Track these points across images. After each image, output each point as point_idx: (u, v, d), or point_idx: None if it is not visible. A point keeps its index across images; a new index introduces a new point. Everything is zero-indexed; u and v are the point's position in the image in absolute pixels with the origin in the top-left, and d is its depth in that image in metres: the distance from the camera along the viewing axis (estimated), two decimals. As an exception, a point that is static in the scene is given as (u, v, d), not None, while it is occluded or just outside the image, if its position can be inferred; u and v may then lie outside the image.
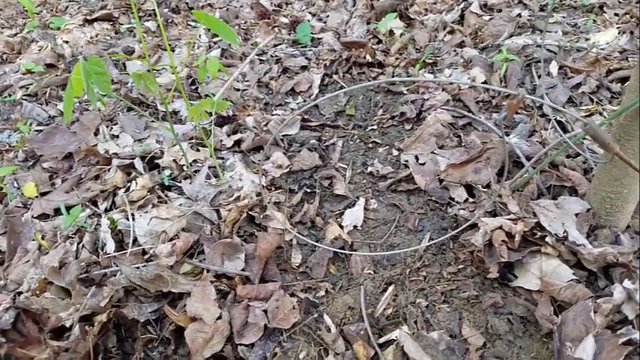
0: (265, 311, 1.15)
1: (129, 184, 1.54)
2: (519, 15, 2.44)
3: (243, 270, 1.26)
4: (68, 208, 1.50)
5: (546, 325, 1.11)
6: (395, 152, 1.75)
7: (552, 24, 2.36)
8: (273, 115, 2.02)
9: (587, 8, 2.51)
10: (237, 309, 1.15)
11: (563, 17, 2.45)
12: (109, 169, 1.61)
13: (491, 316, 1.18)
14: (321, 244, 1.38)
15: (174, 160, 1.60)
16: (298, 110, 2.02)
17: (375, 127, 1.90)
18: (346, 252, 1.36)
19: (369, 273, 1.32)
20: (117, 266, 1.23)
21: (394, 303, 1.24)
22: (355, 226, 1.47)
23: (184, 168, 1.59)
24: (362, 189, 1.62)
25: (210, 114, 1.73)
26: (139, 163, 1.61)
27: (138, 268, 1.20)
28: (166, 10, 3.04)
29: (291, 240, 1.39)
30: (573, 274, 1.18)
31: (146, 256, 1.27)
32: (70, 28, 2.79)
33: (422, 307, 1.22)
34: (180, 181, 1.56)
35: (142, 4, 3.15)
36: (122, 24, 2.94)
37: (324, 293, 1.27)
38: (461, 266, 1.31)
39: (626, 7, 2.44)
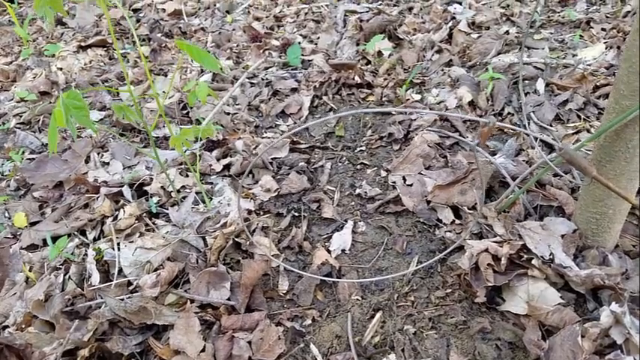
0: (250, 342, 1.14)
1: (117, 212, 1.54)
2: (507, 32, 2.46)
3: (228, 299, 1.25)
4: (57, 238, 1.50)
5: (534, 351, 1.10)
6: (383, 173, 1.75)
7: (539, 40, 2.37)
8: (263, 137, 2.03)
9: (574, 24, 2.53)
10: (221, 340, 1.14)
11: (551, 33, 2.46)
12: (97, 198, 1.61)
13: (479, 342, 1.17)
14: (308, 271, 1.38)
15: (162, 187, 1.61)
16: (287, 133, 2.03)
17: (363, 148, 1.91)
18: (333, 280, 1.35)
19: (357, 299, 1.31)
20: (102, 298, 1.22)
21: (382, 330, 1.23)
22: (343, 250, 1.47)
23: (172, 195, 1.59)
24: (350, 211, 1.62)
25: (196, 140, 1.73)
26: (127, 191, 1.61)
27: (122, 299, 1.20)
28: (159, 34, 3.08)
29: (278, 266, 1.39)
30: (561, 297, 1.17)
31: (131, 287, 1.27)
32: (65, 55, 2.82)
33: (409, 334, 1.21)
34: (167, 208, 1.56)
35: (137, 29, 3.18)
36: (116, 50, 2.96)
37: (310, 321, 1.26)
38: (449, 290, 1.30)
39: (613, 22, 2.45)
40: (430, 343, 1.18)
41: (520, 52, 1.56)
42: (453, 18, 2.70)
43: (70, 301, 1.26)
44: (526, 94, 1.92)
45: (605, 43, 2.22)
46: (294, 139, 1.96)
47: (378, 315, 1.26)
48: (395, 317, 1.25)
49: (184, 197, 1.57)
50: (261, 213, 1.60)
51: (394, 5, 3.15)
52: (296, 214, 1.60)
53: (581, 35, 2.35)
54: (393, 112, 1.09)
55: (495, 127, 0.72)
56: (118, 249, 1.33)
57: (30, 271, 1.41)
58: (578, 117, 1.80)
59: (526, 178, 1.41)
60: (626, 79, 1.00)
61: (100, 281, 1.29)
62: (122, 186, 1.63)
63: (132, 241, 1.35)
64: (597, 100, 1.84)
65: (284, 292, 1.34)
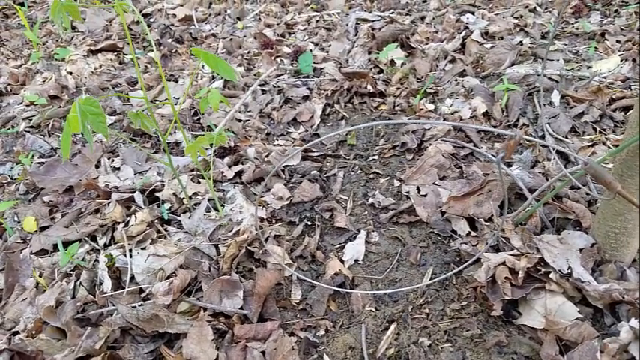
0: (263, 352, 1.13)
1: (128, 218, 1.53)
2: (521, 43, 2.45)
3: (241, 308, 1.23)
4: (67, 243, 1.49)
5: (552, 366, 1.08)
6: (396, 183, 1.73)
7: (554, 52, 2.36)
8: (274, 145, 2.02)
9: (588, 36, 2.52)
10: (234, 350, 1.12)
11: (565, 45, 2.45)
12: (108, 203, 1.60)
13: (495, 355, 1.15)
14: (321, 281, 1.36)
15: (174, 194, 1.60)
16: (300, 142, 2.02)
17: (376, 157, 1.89)
18: (346, 290, 1.34)
19: (371, 310, 1.30)
20: (113, 305, 1.21)
21: (396, 342, 1.21)
22: (356, 260, 1.45)
23: (184, 201, 1.58)
24: (363, 221, 1.61)
25: (210, 146, 1.73)
26: (138, 197, 1.60)
27: (134, 307, 1.19)
28: (170, 40, 3.08)
29: (291, 275, 1.38)
30: (579, 311, 1.15)
31: (143, 295, 1.25)
32: (75, 59, 2.82)
33: (424, 346, 1.19)
34: (179, 215, 1.55)
35: (147, 34, 3.19)
36: (126, 54, 2.97)
37: (324, 332, 1.24)
38: (464, 303, 1.28)
39: (627, 35, 2.44)
40: (445, 356, 1.16)
41: (542, 62, 1.55)
42: (466, 28, 2.69)
43: (82, 307, 1.25)
44: (541, 106, 1.91)
45: (620, 55, 2.20)
46: (306, 148, 1.95)
47: (393, 327, 1.24)
48: (409, 329, 1.23)
49: (196, 204, 1.56)
50: (274, 221, 1.59)
51: (406, 14, 3.14)
52: (308, 222, 1.59)
53: (595, 47, 2.34)
54: (414, 124, 1.08)
55: (522, 139, 0.71)
56: (130, 255, 1.32)
57: (40, 276, 1.40)
58: (594, 129, 1.79)
59: (543, 191, 1.40)
60: (651, 92, 0.99)
61: (111, 288, 1.28)
62: (133, 192, 1.62)
63: (144, 248, 1.34)
64: (613, 112, 1.83)
65: (297, 301, 1.33)
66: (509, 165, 1.61)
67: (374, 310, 1.30)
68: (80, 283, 1.32)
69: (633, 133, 1.06)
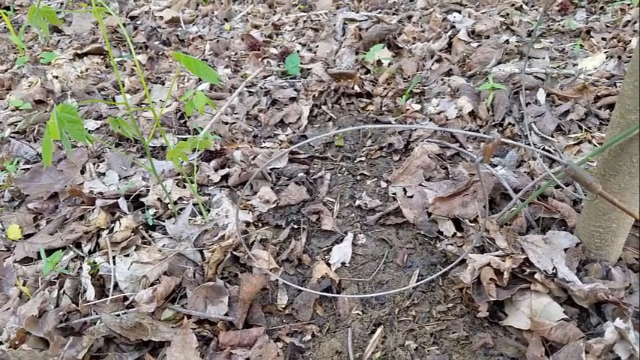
0: (249, 359, 1.12)
1: (113, 224, 1.52)
2: (507, 41, 2.45)
3: (226, 314, 1.23)
4: (52, 251, 1.47)
5: (537, 368, 1.08)
6: (383, 184, 1.73)
7: (539, 50, 2.36)
8: (262, 147, 2.01)
9: (574, 33, 2.52)
10: (219, 357, 1.12)
11: (551, 43, 2.46)
12: (93, 210, 1.59)
13: (481, 357, 1.15)
14: (307, 285, 1.36)
15: (158, 199, 1.58)
16: (287, 144, 2.01)
17: (363, 158, 1.89)
18: (332, 295, 1.33)
19: (358, 313, 1.29)
20: (97, 314, 1.20)
21: (383, 346, 1.20)
22: (343, 263, 1.45)
23: (169, 207, 1.57)
24: (350, 223, 1.60)
25: (194, 150, 1.71)
26: (123, 203, 1.59)
27: (118, 315, 1.17)
28: (157, 42, 3.06)
29: (277, 280, 1.37)
30: (564, 312, 1.15)
31: (127, 303, 1.24)
32: (61, 63, 2.80)
33: (411, 349, 1.18)
34: (164, 221, 1.53)
35: (134, 37, 3.16)
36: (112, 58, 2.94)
37: (310, 337, 1.24)
38: (450, 304, 1.28)
39: (613, 32, 2.45)
40: (432, 359, 1.16)
41: (526, 58, 1.55)
42: (453, 27, 2.69)
43: (65, 316, 1.24)
44: (527, 105, 1.91)
45: (605, 52, 2.21)
46: (293, 150, 1.94)
47: (379, 330, 1.24)
48: (396, 332, 1.23)
49: (181, 209, 1.55)
50: (260, 225, 1.58)
51: (393, 14, 3.14)
52: (295, 226, 1.58)
53: (581, 45, 2.34)
54: (395, 127, 1.07)
55: (501, 142, 0.70)
56: (114, 263, 1.31)
57: (24, 285, 1.38)
58: (580, 128, 1.79)
59: (528, 190, 1.40)
60: (631, 93, 0.99)
61: (95, 296, 1.27)
62: (118, 197, 1.60)
63: (127, 255, 1.32)
64: (598, 110, 1.83)
65: (283, 306, 1.32)
66: (493, 165, 1.61)
67: (360, 313, 1.29)
68: (64, 291, 1.31)
69: (615, 133, 1.06)
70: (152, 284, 1.26)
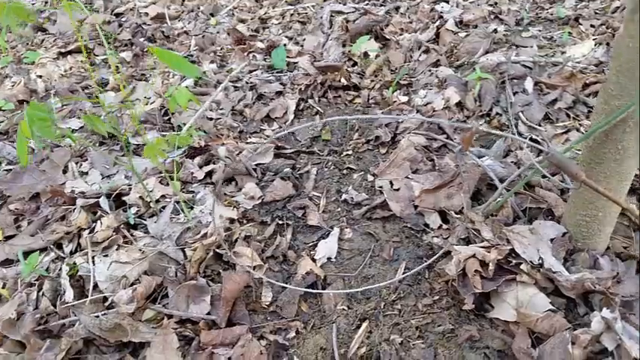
0: (230, 359, 1.10)
1: (94, 224, 1.49)
2: (495, 31, 2.43)
3: (208, 313, 1.20)
4: (33, 252, 1.44)
5: (524, 359, 1.06)
6: (370, 178, 1.71)
7: (528, 38, 2.34)
8: (247, 143, 1.98)
9: (563, 21, 2.50)
10: (200, 357, 1.09)
11: (539, 31, 2.43)
12: (74, 210, 1.56)
13: (467, 350, 1.13)
14: (292, 281, 1.33)
15: (140, 197, 1.56)
16: (271, 137, 1.98)
17: (350, 152, 1.86)
18: (317, 291, 1.31)
19: (343, 309, 1.27)
20: (75, 316, 1.17)
21: (368, 341, 1.18)
22: (329, 259, 1.43)
23: (151, 205, 1.54)
24: (336, 218, 1.58)
25: (178, 147, 1.68)
26: (104, 202, 1.56)
27: (97, 317, 1.15)
28: (142, 39, 3.02)
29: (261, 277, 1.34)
30: (551, 302, 1.14)
31: (107, 304, 1.22)
32: (44, 62, 2.76)
33: (396, 344, 1.16)
34: (147, 219, 1.51)
35: (119, 34, 3.12)
36: (97, 55, 2.91)
37: (294, 334, 1.22)
38: (436, 297, 1.26)
39: (602, 19, 2.43)
40: (417, 353, 1.14)
41: (514, 50, 1.53)
42: (441, 17, 2.66)
43: (44, 319, 1.21)
44: (514, 94, 1.89)
45: (594, 39, 2.19)
46: (279, 144, 1.91)
47: (365, 325, 1.22)
48: (381, 327, 1.21)
49: (164, 207, 1.52)
50: (245, 222, 1.56)
51: (381, 5, 3.11)
52: (280, 222, 1.56)
53: (569, 32, 2.32)
54: (381, 118, 1.05)
55: (479, 131, 0.68)
56: (93, 263, 1.28)
57: (3, 287, 1.35)
58: (568, 116, 1.77)
59: (514, 180, 1.38)
60: (615, 78, 0.97)
61: (74, 297, 1.24)
62: (99, 197, 1.57)
63: (107, 255, 1.30)
64: (587, 98, 1.81)
65: (267, 303, 1.30)
66: (481, 156, 1.59)
67: (346, 308, 1.27)
68: (43, 293, 1.28)
69: (599, 120, 1.04)
70: (132, 284, 1.24)
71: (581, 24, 2.42)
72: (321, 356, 1.16)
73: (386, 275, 1.36)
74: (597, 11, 2.54)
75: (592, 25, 2.40)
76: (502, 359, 1.11)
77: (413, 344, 1.16)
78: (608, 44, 2.12)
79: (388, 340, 1.18)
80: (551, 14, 2.59)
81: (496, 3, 2.80)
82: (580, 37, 2.30)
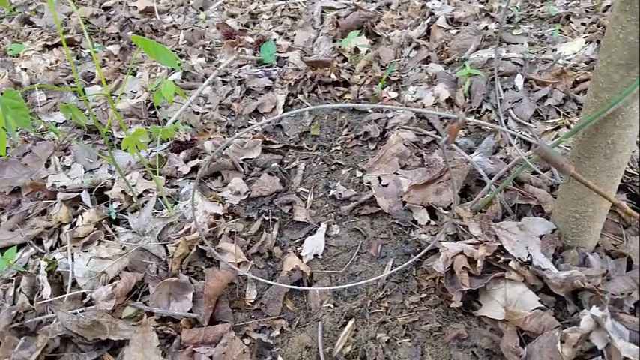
0: (212, 357, 1.07)
1: (75, 219, 1.45)
2: (486, 28, 2.41)
3: (190, 311, 1.17)
4: (10, 247, 1.41)
5: (512, 358, 1.04)
6: (358, 174, 1.68)
7: (518, 35, 2.32)
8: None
9: (553, 19, 2.49)
10: (181, 356, 1.06)
11: (530, 29, 2.42)
12: (55, 204, 1.52)
13: (454, 349, 1.11)
14: (278, 278, 1.31)
15: (123, 192, 1.52)
16: (261, 134, 1.95)
17: (339, 147, 1.84)
18: (302, 288, 1.28)
19: (329, 306, 1.25)
20: (53, 312, 1.14)
21: (354, 339, 1.16)
22: (315, 255, 1.40)
23: (134, 200, 1.51)
24: (324, 214, 1.55)
25: (163, 142, 1.65)
26: (86, 197, 1.52)
27: (75, 313, 1.12)
28: (130, 32, 2.97)
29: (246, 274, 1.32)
30: (540, 300, 1.12)
31: (85, 300, 1.18)
32: (30, 55, 2.71)
33: (382, 342, 1.14)
34: (129, 214, 1.47)
35: (107, 27, 3.08)
36: (84, 49, 2.86)
37: (279, 332, 1.19)
38: (424, 295, 1.24)
39: (592, 17, 2.42)
40: (404, 352, 1.12)
41: (505, 47, 1.51)
42: (432, 14, 2.64)
43: (21, 316, 1.18)
44: (504, 90, 1.87)
45: (584, 37, 2.18)
46: (267, 139, 1.88)
47: (350, 323, 1.19)
48: (368, 325, 1.18)
49: (146, 202, 1.49)
50: (230, 217, 1.53)
51: (372, 1, 3.08)
52: (267, 218, 1.53)
53: (560, 30, 2.31)
54: (368, 110, 1.03)
55: (466, 123, 0.66)
56: (72, 259, 1.25)
57: (-20, 283, 1.31)
58: (558, 113, 1.75)
59: (503, 176, 1.36)
60: (604, 70, 0.95)
61: (52, 294, 1.21)
62: (81, 191, 1.54)
63: (86, 251, 1.26)
64: (577, 95, 1.79)
65: (252, 301, 1.27)
66: (470, 151, 1.57)
67: (332, 306, 1.25)
68: (20, 289, 1.24)
69: (589, 113, 1.02)
70: (112, 280, 1.21)
71: (571, 22, 2.41)
72: (306, 355, 1.14)
73: (373, 272, 1.33)
74: (588, 10, 2.53)
75: (583, 23, 2.38)
76: (490, 358, 1.08)
77: (400, 342, 1.14)
78: (598, 42, 2.11)
79: (375, 338, 1.15)
80: (542, 12, 2.58)
81: (487, 0, 2.79)
82: (571, 35, 2.29)
